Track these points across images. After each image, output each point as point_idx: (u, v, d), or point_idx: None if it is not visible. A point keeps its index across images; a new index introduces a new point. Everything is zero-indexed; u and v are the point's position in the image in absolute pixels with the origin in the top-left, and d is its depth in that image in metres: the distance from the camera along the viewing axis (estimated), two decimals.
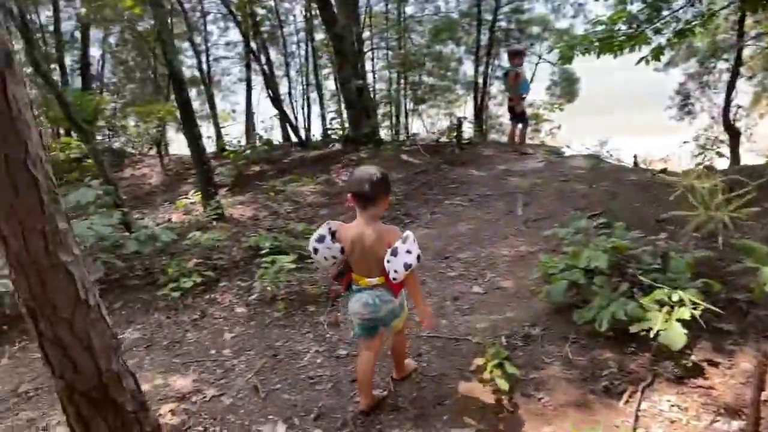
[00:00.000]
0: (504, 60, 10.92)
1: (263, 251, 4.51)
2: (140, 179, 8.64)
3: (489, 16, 10.46)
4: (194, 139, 5.74)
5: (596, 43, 5.94)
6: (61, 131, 11.64)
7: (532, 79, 9.58)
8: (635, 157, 6.89)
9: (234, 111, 14.97)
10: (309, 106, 10.65)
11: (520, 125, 8.10)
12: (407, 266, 2.31)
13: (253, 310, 3.91)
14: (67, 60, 12.82)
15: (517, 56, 7.59)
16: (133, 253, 4.45)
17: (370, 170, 2.44)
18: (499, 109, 11.15)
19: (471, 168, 7.44)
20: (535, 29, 10.98)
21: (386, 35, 9.88)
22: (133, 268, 4.85)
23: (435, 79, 10.42)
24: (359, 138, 8.37)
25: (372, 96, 8.95)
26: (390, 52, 10.83)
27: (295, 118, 9.85)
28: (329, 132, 9.39)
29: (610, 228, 3.74)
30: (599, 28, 6.26)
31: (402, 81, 9.92)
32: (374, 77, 9.85)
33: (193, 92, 14.93)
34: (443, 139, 9.92)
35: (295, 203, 6.52)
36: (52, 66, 12.83)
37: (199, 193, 6.17)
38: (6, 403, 2.78)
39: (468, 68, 10.59)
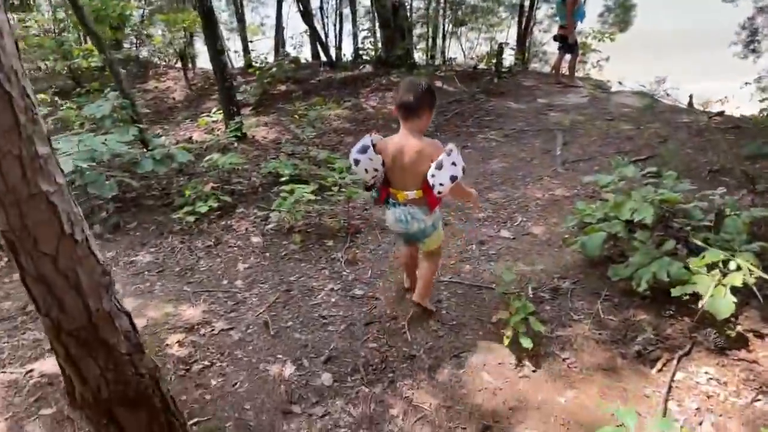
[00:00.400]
0: None
1: (283, 179, 4.35)
2: (164, 93, 8.43)
3: None
4: (217, 53, 5.44)
5: None
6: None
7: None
8: (690, 97, 6.33)
9: (263, 24, 14.40)
10: (341, 22, 10.06)
11: (568, 55, 7.50)
12: (453, 179, 2.31)
13: (269, 240, 3.79)
14: None
15: None
16: (150, 172, 4.33)
17: (415, 81, 2.41)
18: (544, 36, 10.38)
19: (509, 99, 7.00)
20: None
21: None
22: (150, 187, 4.76)
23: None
24: (392, 60, 7.90)
25: (408, 15, 8.34)
26: None
27: (326, 35, 9.33)
28: (361, 52, 8.89)
29: (658, 177, 3.41)
30: None
31: (442, 1, 9.20)
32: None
33: (222, 2, 14.38)
34: (482, 65, 9.35)
35: (320, 128, 6.26)
36: None
37: (222, 111, 5.94)
38: (14, 321, 2.77)
39: None
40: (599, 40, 9.68)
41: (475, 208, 2.82)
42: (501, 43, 8.38)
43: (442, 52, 9.73)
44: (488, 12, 9.93)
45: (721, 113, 5.85)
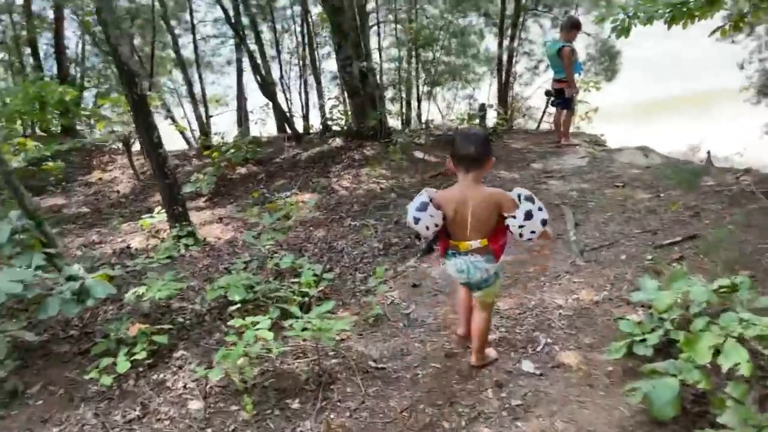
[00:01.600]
0: (533, 33, 9.68)
1: (234, 305, 3.48)
2: (108, 185, 7.61)
3: None
4: (153, 146, 4.67)
5: (667, 10, 4.74)
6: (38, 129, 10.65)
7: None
8: (708, 154, 5.70)
9: (227, 95, 13.88)
10: (307, 92, 9.48)
11: (565, 111, 6.93)
12: (544, 222, 2.47)
13: (212, 405, 2.87)
14: (42, 43, 11.76)
15: (574, 28, 6.40)
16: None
17: (473, 131, 2.68)
18: (525, 90, 9.93)
19: (500, 167, 6.31)
20: None
21: (394, 6, 8.63)
22: (67, 323, 3.83)
23: (452, 56, 9.18)
24: (364, 131, 7.24)
25: (379, 81, 7.78)
26: (399, 26, 9.60)
27: (290, 106, 8.70)
28: (330, 122, 8.24)
29: (728, 289, 2.61)
30: None
31: (414, 60, 8.71)
32: (381, 57, 8.62)
33: (179, 76, 13.85)
34: (463, 124, 8.77)
35: (284, 220, 5.45)
36: (24, 49, 11.81)
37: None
38: None
39: (490, 43, 9.33)
40: (584, 90, 9.21)
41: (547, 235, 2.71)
42: (483, 104, 7.82)
43: (419, 116, 9.14)
44: (465, 69, 9.45)
45: (748, 170, 5.19)
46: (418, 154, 6.95)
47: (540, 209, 2.46)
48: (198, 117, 8.86)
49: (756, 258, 3.45)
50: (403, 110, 8.93)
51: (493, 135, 7.51)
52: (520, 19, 9.18)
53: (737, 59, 8.29)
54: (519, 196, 2.46)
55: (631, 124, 13.20)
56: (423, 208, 2.47)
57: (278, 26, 9.73)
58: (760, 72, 7.71)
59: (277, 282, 3.93)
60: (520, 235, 2.49)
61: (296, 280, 3.88)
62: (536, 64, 9.65)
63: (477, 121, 8.35)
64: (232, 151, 6.78)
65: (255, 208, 5.62)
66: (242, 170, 7.15)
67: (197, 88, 10.17)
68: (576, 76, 6.99)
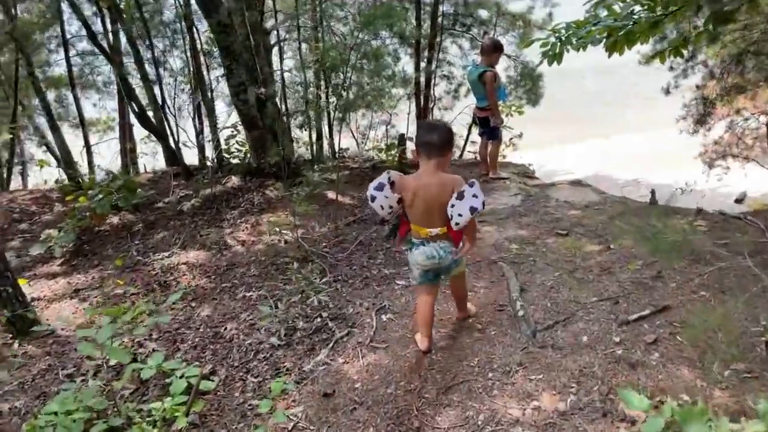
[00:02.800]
0: (452, 53, 9.17)
1: None
2: None
3: None
4: None
5: (604, 35, 4.21)
6: None
7: None
8: (653, 193, 5.26)
9: (113, 119, 12.33)
10: (201, 120, 8.33)
11: (491, 141, 6.34)
12: (473, 210, 2.55)
13: None
14: None
15: (496, 51, 5.82)
16: None
17: (436, 121, 3.20)
18: (445, 115, 9.38)
19: None
20: (484, 13, 9.26)
21: (297, 23, 7.77)
22: None
23: (365, 79, 8.42)
24: (265, 168, 6.26)
25: (282, 109, 6.86)
26: (305, 46, 8.75)
27: (175, 140, 7.50)
28: (227, 157, 7.16)
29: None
30: (603, 13, 4.59)
31: (323, 84, 7.86)
32: (283, 82, 7.69)
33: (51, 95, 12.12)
34: (380, 156, 8.04)
35: (162, 288, 4.37)
36: None
37: None
38: None
39: (407, 65, 8.72)
40: (506, 115, 8.78)
41: (466, 247, 2.86)
42: (402, 134, 7.10)
43: (331, 146, 8.29)
44: (379, 92, 8.71)
45: (699, 211, 4.77)
46: (331, 194, 6.07)
47: (474, 196, 2.55)
48: (61, 145, 7.40)
49: (748, 342, 2.86)
50: (313, 141, 8.04)
51: (415, 168, 6.78)
52: (437, 39, 8.63)
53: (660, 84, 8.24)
54: (472, 183, 2.60)
55: (551, 149, 13.18)
56: (380, 188, 2.63)
57: (162, 44, 8.55)
58: (698, 100, 7.63)
59: (132, 404, 2.87)
60: (451, 217, 2.59)
61: (162, 394, 2.85)
62: (456, 88, 9.14)
63: (395, 152, 7.65)
64: (99, 197, 5.55)
65: (119, 281, 4.47)
66: (114, 220, 5.91)
67: (73, 111, 8.72)
68: (501, 103, 6.47)
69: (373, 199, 2.68)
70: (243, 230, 5.36)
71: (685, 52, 4.94)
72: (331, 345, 3.38)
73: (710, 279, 3.56)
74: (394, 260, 4.51)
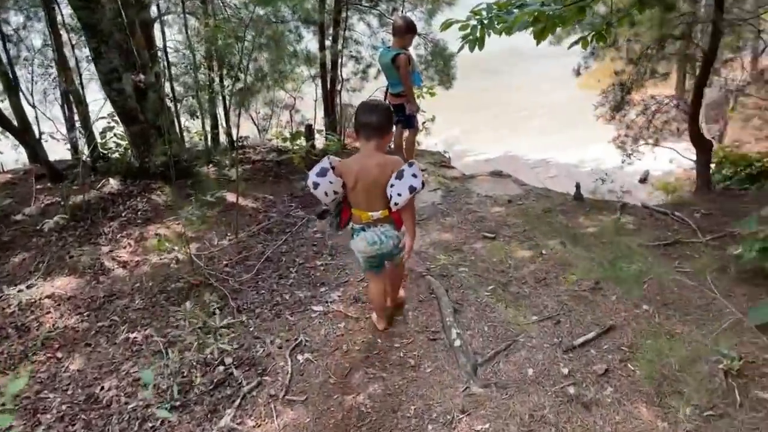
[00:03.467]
0: (360, 30, 8.56)
1: None
2: None
3: None
4: None
5: (530, 19, 3.86)
6: None
7: None
8: (578, 187, 5.08)
9: None
10: (69, 107, 7.16)
11: (407, 131, 5.90)
12: (412, 189, 2.53)
13: None
14: None
15: (409, 32, 5.30)
16: None
17: (373, 101, 2.88)
18: (354, 97, 8.79)
19: None
20: None
21: None
22: None
23: (264, 58, 7.67)
24: (151, 168, 5.43)
25: (169, 96, 6.00)
26: (193, 21, 7.80)
27: (39, 134, 6.34)
28: (106, 154, 6.16)
29: None
30: None
31: (215, 65, 7.02)
32: (168, 65, 6.75)
33: None
34: (285, 145, 7.40)
35: (20, 334, 3.55)
36: None
37: None
38: None
39: (310, 43, 8.00)
40: (418, 97, 8.39)
41: (408, 243, 2.77)
42: (309, 125, 6.48)
43: (227, 134, 7.49)
44: (280, 74, 7.99)
45: (624, 206, 4.64)
46: (231, 196, 5.37)
47: (414, 175, 2.53)
48: None
49: (704, 371, 2.65)
50: (207, 131, 7.20)
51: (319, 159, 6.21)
52: (343, 15, 8.00)
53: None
54: (411, 163, 2.60)
55: (463, 129, 13.06)
56: (323, 173, 2.58)
57: (17, 17, 7.23)
58: (616, 87, 7.65)
59: None
60: (390, 197, 2.57)
61: None
62: (365, 68, 8.58)
63: (302, 140, 7.03)
64: None
65: None
66: None
67: None
68: (416, 88, 6.02)
69: (317, 186, 2.60)
70: (125, 248, 4.56)
71: (607, 37, 4.77)
72: (237, 402, 2.82)
73: (650, 290, 3.37)
74: (309, 279, 3.98)
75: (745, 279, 3.27)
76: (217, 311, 3.52)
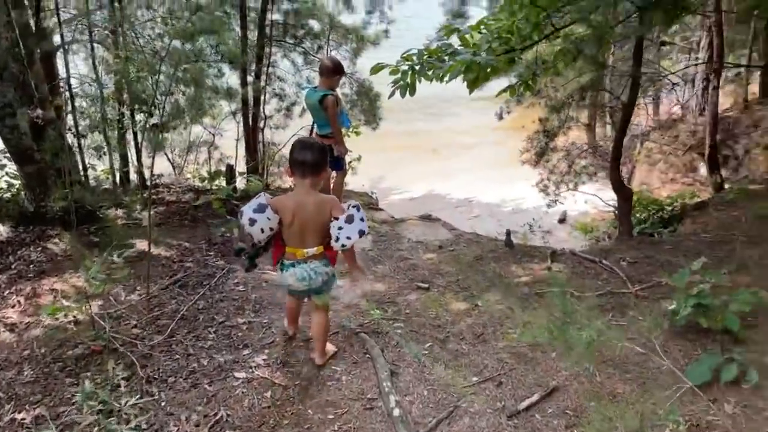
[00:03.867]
0: (285, 67, 8.38)
1: None
2: None
3: (255, 2, 7.76)
4: None
5: (462, 67, 3.85)
6: None
7: None
8: (508, 234, 5.08)
9: None
10: None
11: (335, 173, 5.73)
12: (361, 233, 2.65)
13: None
14: None
15: (337, 73, 5.18)
16: None
17: (311, 139, 3.19)
18: (277, 135, 8.54)
19: (263, 258, 4.73)
20: (317, 25, 8.65)
21: (88, 24, 6.38)
22: None
23: (181, 92, 7.28)
24: (48, 214, 4.89)
25: (72, 133, 5.51)
26: (104, 49, 7.33)
27: None
28: None
29: None
30: (456, 41, 4.25)
31: (126, 98, 6.57)
32: (72, 99, 6.22)
33: None
34: (203, 185, 7.04)
35: None
36: None
37: None
38: None
39: (230, 79, 7.69)
40: (345, 135, 8.28)
41: (357, 275, 3.04)
42: (230, 165, 6.16)
43: (139, 173, 6.99)
44: (198, 109, 7.60)
45: (554, 254, 4.67)
46: (142, 244, 4.92)
47: (362, 219, 2.65)
48: None
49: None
50: (115, 169, 6.68)
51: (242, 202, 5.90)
52: (267, 50, 7.80)
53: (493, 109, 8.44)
54: (349, 205, 2.70)
55: (389, 166, 13.10)
56: (261, 209, 2.63)
57: None
58: (541, 134, 7.90)
59: None
60: (337, 239, 2.64)
61: None
62: (289, 106, 8.38)
63: (221, 181, 6.69)
64: None
65: None
66: None
67: None
68: (344, 129, 5.89)
69: (253, 222, 2.62)
70: (13, 307, 4.00)
71: (533, 86, 4.88)
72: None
73: (591, 342, 3.34)
74: (230, 340, 3.63)
75: (680, 333, 3.32)
76: (123, 383, 3.11)
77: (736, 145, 9.35)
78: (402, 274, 4.56)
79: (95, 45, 6.64)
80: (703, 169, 10.17)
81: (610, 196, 10.01)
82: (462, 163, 13.11)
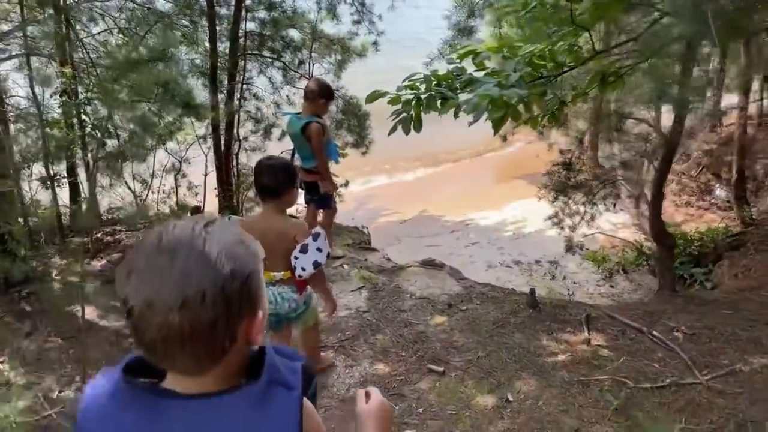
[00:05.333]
0: (261, 84, 7.59)
1: None
2: None
3: (228, 11, 6.98)
4: None
5: (485, 102, 3.13)
6: None
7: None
8: (532, 292, 4.36)
9: None
10: None
11: (322, 210, 4.99)
12: (316, 264, 2.59)
13: None
14: None
15: (322, 97, 4.43)
16: None
17: (270, 162, 2.64)
18: (254, 157, 7.73)
19: None
20: (296, 34, 7.87)
21: (25, 33, 5.55)
22: None
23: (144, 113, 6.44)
24: None
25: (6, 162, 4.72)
26: (51, 62, 6.51)
27: None
28: None
29: None
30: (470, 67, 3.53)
31: (76, 125, 5.73)
32: (7, 127, 5.36)
33: None
34: (168, 220, 6.13)
35: None
36: None
37: None
38: None
39: (200, 94, 6.88)
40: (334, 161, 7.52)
41: (329, 309, 2.94)
42: (196, 206, 5.37)
43: (92, 207, 6.13)
44: (164, 130, 6.78)
45: (588, 318, 3.96)
46: (87, 310, 4.09)
47: (319, 249, 2.57)
48: None
49: None
50: (61, 204, 5.81)
51: None
52: (242, 64, 7.02)
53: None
54: (316, 235, 2.61)
55: (377, 183, 12.40)
56: None
57: None
58: (560, 166, 7.27)
59: None
60: (294, 268, 2.59)
61: None
62: (267, 127, 7.59)
63: (188, 214, 5.87)
64: None
65: None
66: None
67: None
68: (332, 163, 5.10)
69: None
70: None
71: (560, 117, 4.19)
72: None
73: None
74: None
75: None
76: None
77: (754, 165, 8.82)
78: (408, 348, 3.81)
79: (30, 57, 5.80)
80: (719, 191, 9.62)
81: (621, 219, 9.51)
82: (454, 179, 12.45)
